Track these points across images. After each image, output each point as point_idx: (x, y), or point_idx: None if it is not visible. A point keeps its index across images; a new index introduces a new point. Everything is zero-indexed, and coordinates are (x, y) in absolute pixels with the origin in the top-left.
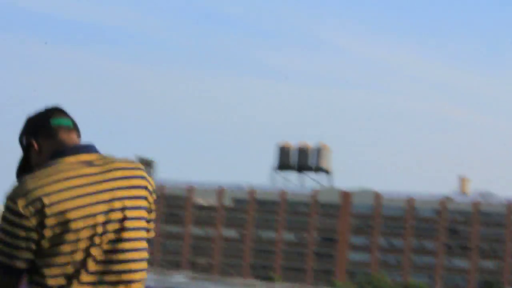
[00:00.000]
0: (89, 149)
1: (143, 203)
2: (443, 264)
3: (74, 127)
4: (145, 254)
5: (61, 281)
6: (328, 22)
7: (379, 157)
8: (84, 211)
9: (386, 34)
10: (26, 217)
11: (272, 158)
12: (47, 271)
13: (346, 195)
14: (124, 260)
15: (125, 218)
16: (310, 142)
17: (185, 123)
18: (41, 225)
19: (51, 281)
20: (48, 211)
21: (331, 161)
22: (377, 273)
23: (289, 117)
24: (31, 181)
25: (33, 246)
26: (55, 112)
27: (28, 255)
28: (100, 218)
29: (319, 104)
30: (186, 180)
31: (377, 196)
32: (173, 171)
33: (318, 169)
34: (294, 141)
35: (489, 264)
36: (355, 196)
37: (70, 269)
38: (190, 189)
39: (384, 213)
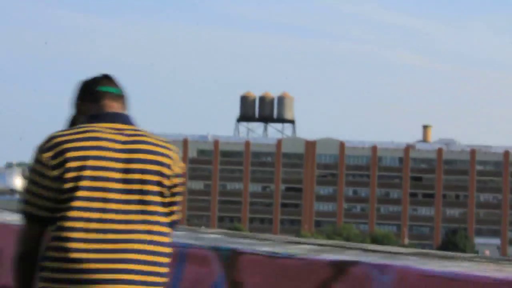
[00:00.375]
0: (124, 119)
1: (163, 180)
2: (409, 213)
3: (121, 96)
4: (157, 228)
5: (74, 234)
6: None
7: (342, 106)
8: (97, 173)
9: None
10: (50, 168)
11: (236, 109)
12: (61, 223)
13: (310, 145)
14: (131, 230)
15: (137, 191)
16: (273, 92)
17: (148, 74)
18: (62, 178)
19: (64, 234)
20: (69, 165)
21: (295, 110)
22: (344, 223)
23: (253, 67)
24: (60, 136)
25: (53, 196)
26: (104, 79)
27: (49, 204)
28: (111, 184)
29: (282, 53)
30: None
31: (341, 145)
32: (136, 123)
33: (282, 119)
34: (257, 92)
35: (454, 212)
36: (319, 145)
37: (81, 225)
38: None
39: (348, 163)
